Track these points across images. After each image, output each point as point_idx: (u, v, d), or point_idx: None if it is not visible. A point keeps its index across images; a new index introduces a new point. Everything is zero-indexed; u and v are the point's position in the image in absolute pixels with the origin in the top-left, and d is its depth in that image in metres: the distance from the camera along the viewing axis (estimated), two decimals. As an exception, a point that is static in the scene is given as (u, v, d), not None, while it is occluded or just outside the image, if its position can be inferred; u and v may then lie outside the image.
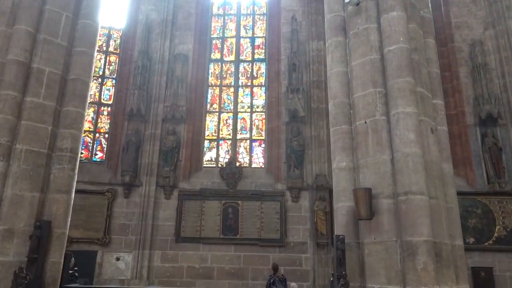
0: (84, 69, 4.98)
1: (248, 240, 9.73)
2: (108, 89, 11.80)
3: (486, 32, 10.90)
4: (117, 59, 11.93)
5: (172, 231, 9.96)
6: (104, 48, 12.02)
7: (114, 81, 11.80)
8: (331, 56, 4.69)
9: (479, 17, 11.07)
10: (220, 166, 10.76)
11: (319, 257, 9.46)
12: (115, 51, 12.07)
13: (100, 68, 11.78)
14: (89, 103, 11.36)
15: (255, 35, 12.23)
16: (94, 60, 5.42)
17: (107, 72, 11.85)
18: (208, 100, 11.67)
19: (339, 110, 4.48)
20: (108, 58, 11.98)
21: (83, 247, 9.52)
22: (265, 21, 12.29)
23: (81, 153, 9.51)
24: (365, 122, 4.19)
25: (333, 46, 4.67)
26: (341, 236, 3.90)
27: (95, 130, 11.16)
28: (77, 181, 4.96)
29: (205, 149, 11.18)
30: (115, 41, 12.21)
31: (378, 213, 3.88)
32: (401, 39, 4.08)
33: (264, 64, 11.85)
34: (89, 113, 11.22)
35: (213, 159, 11.08)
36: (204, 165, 10.97)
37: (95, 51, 5.51)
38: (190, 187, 10.43)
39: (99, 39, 12.06)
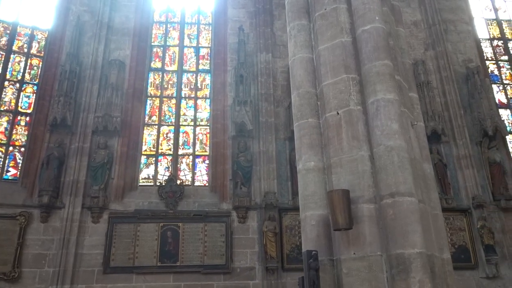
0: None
1: (189, 267, 8.56)
2: (28, 96, 10.22)
3: (427, 52, 11.18)
4: (41, 63, 10.46)
5: (100, 260, 8.49)
6: (25, 50, 10.52)
7: (35, 87, 10.27)
8: (294, 41, 4.04)
9: (420, 38, 11.37)
10: (158, 184, 9.58)
11: (268, 283, 8.55)
12: (38, 54, 10.60)
13: (18, 72, 10.23)
14: (3, 111, 9.75)
15: (200, 45, 11.48)
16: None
17: (27, 76, 10.31)
18: (147, 112, 10.55)
19: (304, 101, 3.79)
20: (29, 61, 10.47)
21: (-18, 284, 7.72)
22: (210, 31, 11.62)
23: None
24: (337, 113, 3.53)
25: (295, 30, 4.03)
26: (313, 252, 3.10)
27: (8, 142, 9.48)
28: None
29: (141, 165, 9.95)
30: (39, 42, 10.75)
31: (358, 221, 3.17)
32: (377, 18, 3.55)
33: (209, 75, 11.08)
34: (1, 122, 9.57)
35: (151, 177, 9.87)
36: (140, 184, 9.71)
37: None
38: (123, 208, 9.10)
39: (18, 39, 10.80)
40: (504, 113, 11.05)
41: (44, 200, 8.64)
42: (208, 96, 10.86)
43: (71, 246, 8.45)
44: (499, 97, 11.27)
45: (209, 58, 11.33)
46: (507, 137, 10.62)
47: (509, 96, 11.41)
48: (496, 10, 12.40)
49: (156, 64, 11.15)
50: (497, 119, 10.24)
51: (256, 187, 9.34)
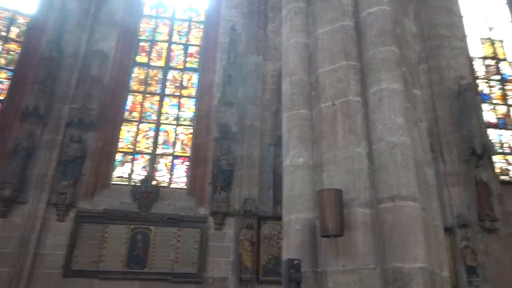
0: None
1: (158, 274, 7.93)
2: (1, 82, 9.56)
3: (420, 66, 10.92)
4: (19, 49, 9.84)
5: (61, 262, 7.80)
6: (3, 34, 9.89)
7: (10, 73, 9.62)
8: (290, 24, 3.63)
9: (415, 51, 11.13)
10: (133, 184, 8.99)
11: (241, 297, 8.00)
12: (17, 39, 9.98)
13: (-7, 55, 9.58)
14: (-30, 95, 9.06)
15: (189, 43, 11.03)
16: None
17: (2, 61, 9.66)
18: (127, 107, 9.98)
19: (297, 89, 3.36)
20: (7, 45, 9.84)
21: None
22: (202, 30, 11.21)
23: None
24: (333, 104, 3.11)
25: (292, 12, 3.63)
26: (296, 261, 2.63)
27: (-25, 129, 8.77)
28: None
29: (116, 163, 9.35)
30: (19, 27, 10.14)
31: (350, 228, 2.73)
32: (385, 0, 3.18)
33: (197, 74, 10.62)
34: (-34, 107, 8.88)
35: (126, 176, 9.27)
36: (113, 182, 9.09)
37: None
38: (92, 207, 8.45)
39: (-3, 22, 10.16)
40: (492, 132, 10.88)
41: (5, 193, 7.94)
42: (193, 96, 10.38)
43: (31, 245, 7.74)
44: (488, 116, 11.12)
45: (197, 56, 10.89)
46: (494, 157, 10.42)
47: (498, 116, 11.27)
48: (490, 29, 12.37)
49: (142, 58, 10.65)
50: (486, 138, 10.05)
51: (236, 193, 8.84)
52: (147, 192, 8.66)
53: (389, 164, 2.78)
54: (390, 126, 2.85)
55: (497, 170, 10.49)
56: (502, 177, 10.50)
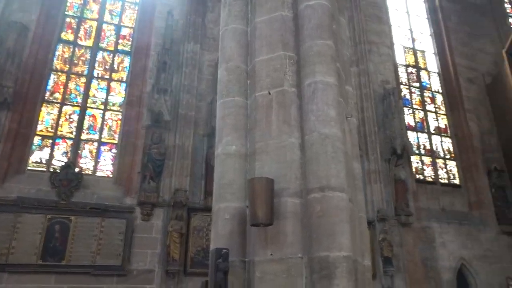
0: None
1: (77, 267, 7.41)
2: None
3: (351, 68, 11.50)
4: None
5: (-38, 254, 6.95)
6: None
7: None
8: (228, 10, 3.52)
9: (348, 50, 11.67)
10: (52, 170, 8.28)
11: (167, 289, 7.79)
12: None
13: None
14: None
15: (122, 24, 10.41)
16: None
17: None
18: (49, 87, 9.15)
19: (232, 76, 3.28)
20: None
21: None
22: (136, 11, 10.64)
23: None
24: (269, 93, 3.08)
25: (232, -2, 3.54)
26: (224, 250, 2.56)
27: None
28: None
29: (34, 147, 8.53)
30: None
31: (280, 217, 2.73)
32: (323, -6, 3.22)
33: (129, 57, 10.06)
34: None
35: (44, 161, 8.50)
36: (29, 168, 8.29)
37: None
38: (3, 194, 7.62)
39: None
40: (411, 135, 11.81)
41: None
42: (124, 80, 9.83)
43: None
44: (409, 119, 12.04)
45: (131, 39, 10.32)
46: (412, 157, 11.32)
47: (416, 120, 12.26)
48: (413, 40, 13.37)
49: (68, 36, 9.82)
50: (406, 139, 10.87)
51: (166, 183, 8.56)
52: (68, 179, 8.03)
53: (320, 155, 2.82)
54: (322, 118, 2.90)
55: (413, 170, 11.40)
56: (418, 176, 11.44)
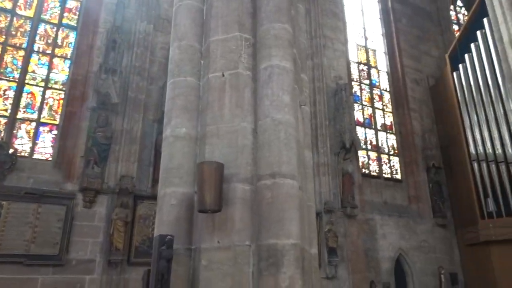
0: None
1: (8, 257, 6.84)
2: None
3: (306, 61, 11.64)
4: None
5: None
6: None
7: None
8: (184, -15, 3.34)
9: (305, 38, 11.77)
10: (-18, 150, 7.55)
11: (108, 279, 7.44)
12: None
13: None
14: None
15: (68, -4, 9.69)
16: None
17: None
18: (-20, 59, 8.32)
19: (185, 56, 3.10)
20: None
21: None
22: (84, -16, 9.93)
23: None
24: (223, 75, 2.95)
25: (188, -27, 3.34)
26: (168, 237, 2.41)
27: None
28: None
29: (-39, 124, 7.75)
30: None
31: (229, 204, 2.63)
32: (282, -23, 3.13)
33: (75, 33, 9.39)
34: None
35: (-27, 140, 7.73)
36: (-45, 147, 7.50)
37: None
38: None
39: None
40: (359, 130, 12.21)
41: None
42: (68, 57, 9.16)
43: None
44: (358, 115, 12.43)
45: (77, 13, 9.63)
46: (359, 152, 11.73)
47: (365, 116, 12.69)
48: (366, 38, 13.78)
49: (5, 3, 8.95)
50: (355, 134, 11.22)
51: (111, 169, 8.14)
52: (0, 161, 7.37)
53: (273, 141, 2.76)
54: (277, 103, 2.83)
55: (360, 164, 11.81)
56: (364, 170, 11.88)
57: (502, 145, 11.08)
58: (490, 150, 11.30)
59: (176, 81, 3.06)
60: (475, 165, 11.52)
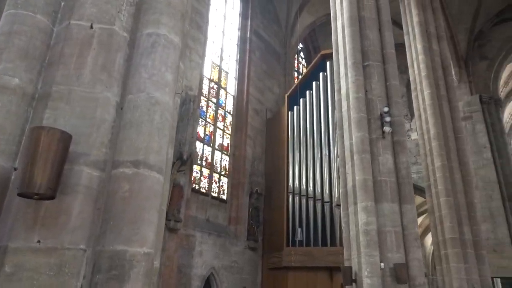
0: None
1: None
2: None
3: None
4: None
5: None
6: None
7: None
8: None
9: (188, 29, 11.18)
10: None
11: None
12: None
13: None
14: None
15: None
16: None
17: None
18: None
19: (40, -13, 2.28)
20: None
21: None
22: None
23: None
24: (92, 27, 2.26)
25: None
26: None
27: None
28: None
29: None
30: None
31: (67, 191, 1.91)
32: None
33: None
34: None
35: None
36: None
37: None
38: None
39: None
40: (198, 145, 12.15)
41: None
42: None
43: None
44: (200, 130, 12.40)
45: None
46: (194, 166, 11.60)
47: (206, 133, 12.76)
48: (221, 59, 14.11)
49: None
50: (193, 148, 11.07)
51: None
52: None
53: (144, 123, 2.21)
54: (157, 79, 2.32)
55: (192, 179, 11.67)
56: (194, 185, 11.76)
57: (314, 184, 12.74)
58: (304, 186, 12.83)
59: (20, 13, 2.20)
60: (290, 197, 12.86)
